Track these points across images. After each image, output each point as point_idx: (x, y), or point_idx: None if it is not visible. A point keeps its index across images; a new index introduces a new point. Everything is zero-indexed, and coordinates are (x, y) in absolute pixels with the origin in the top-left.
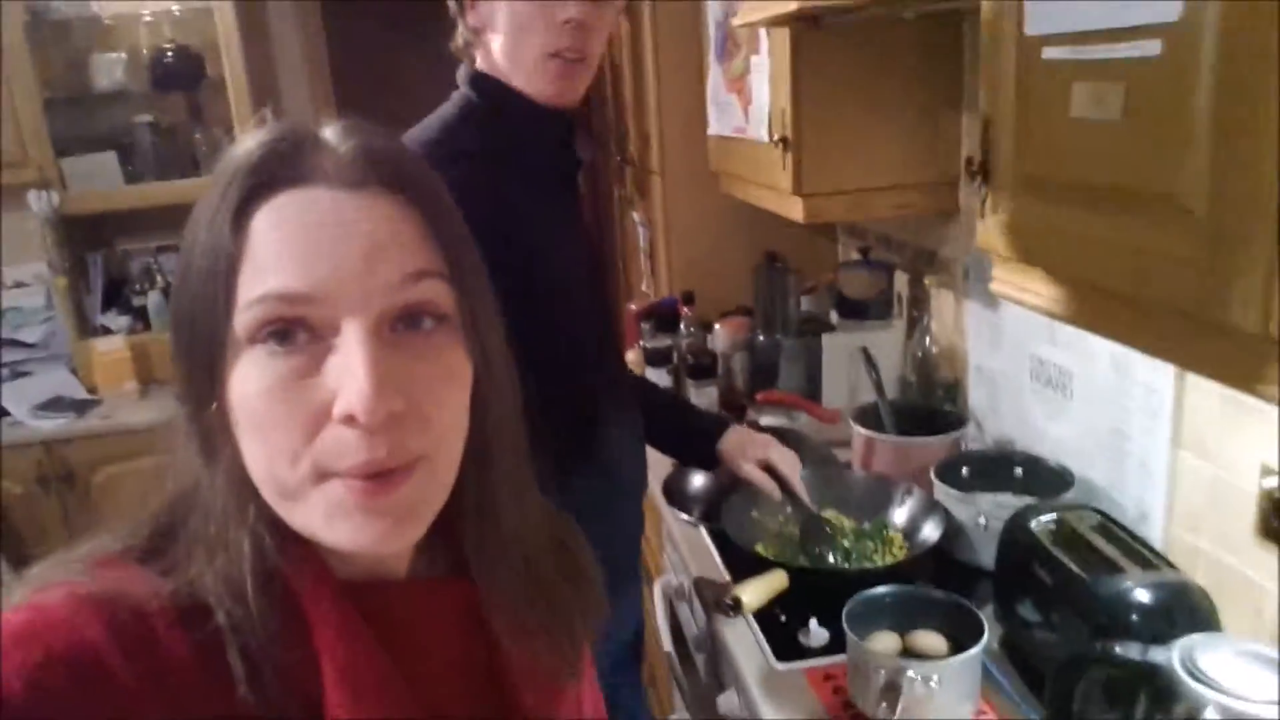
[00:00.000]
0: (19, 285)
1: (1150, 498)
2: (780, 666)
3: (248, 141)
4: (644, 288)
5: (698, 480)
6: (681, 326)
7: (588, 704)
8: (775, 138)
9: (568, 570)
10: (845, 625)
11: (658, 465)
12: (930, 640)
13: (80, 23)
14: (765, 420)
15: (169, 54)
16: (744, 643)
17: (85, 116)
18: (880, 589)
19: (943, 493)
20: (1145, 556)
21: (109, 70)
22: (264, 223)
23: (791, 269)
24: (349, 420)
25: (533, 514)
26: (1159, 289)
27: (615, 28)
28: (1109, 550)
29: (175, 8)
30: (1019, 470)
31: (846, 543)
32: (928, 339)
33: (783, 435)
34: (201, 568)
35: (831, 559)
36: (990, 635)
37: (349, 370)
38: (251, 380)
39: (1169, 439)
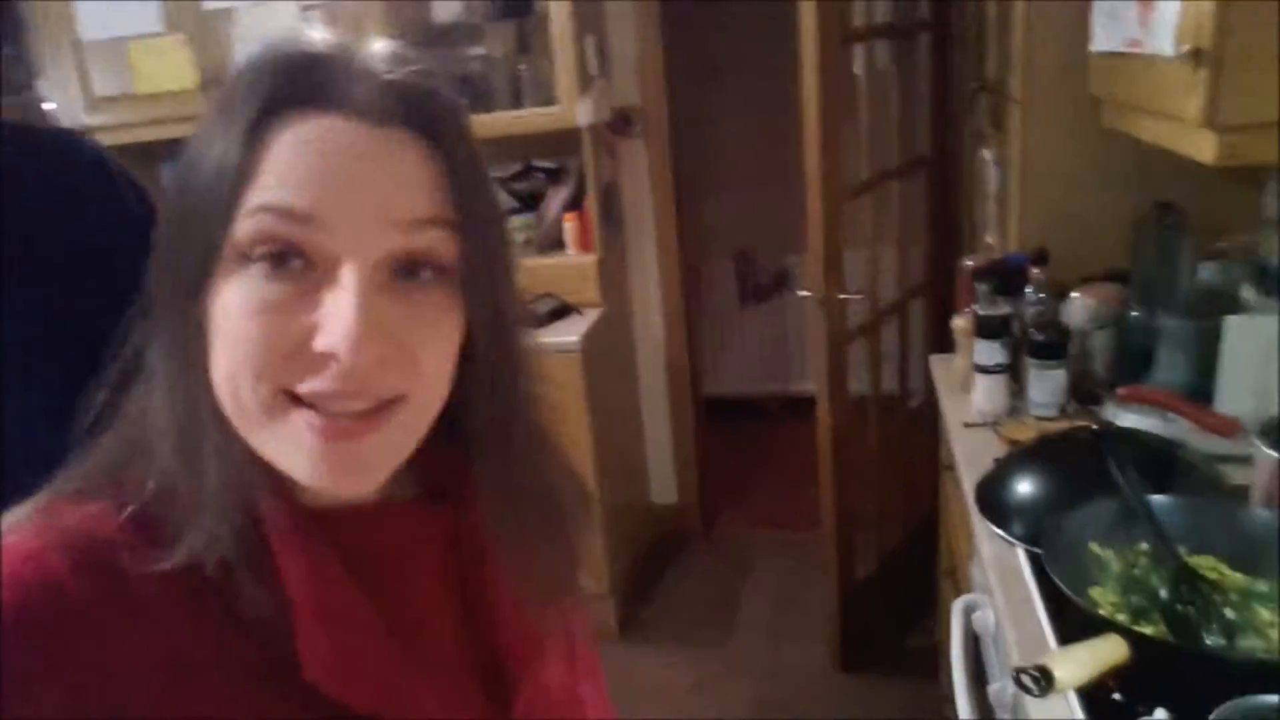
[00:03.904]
0: None
1: None
2: None
3: (285, 45)
4: (989, 239)
5: (1024, 486)
6: (1028, 291)
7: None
8: (1185, 49)
9: (562, 483)
10: None
11: (975, 462)
12: None
13: None
14: (1127, 422)
15: None
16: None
17: (423, 49)
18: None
19: None
20: None
21: (448, 3)
22: (281, 142)
23: (1190, 226)
24: (327, 358)
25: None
26: None
27: None
28: None
29: None
30: None
31: (1229, 609)
32: None
33: (1152, 446)
34: (164, 495)
35: (1202, 628)
36: None
37: (339, 308)
38: (238, 296)
39: None
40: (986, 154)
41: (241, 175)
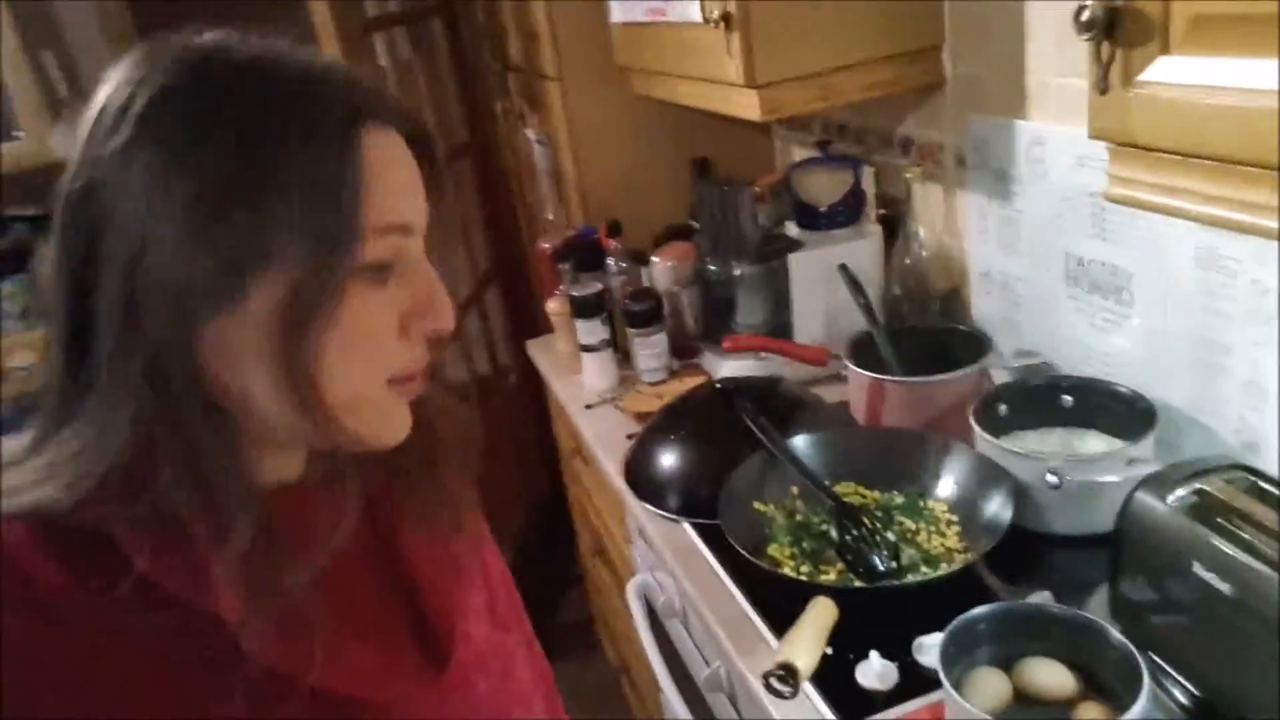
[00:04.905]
0: None
1: (1259, 424)
2: None
3: (326, 63)
4: (550, 217)
5: (669, 459)
6: (610, 263)
7: (496, 580)
8: (714, 16)
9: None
10: (943, 676)
11: (609, 442)
12: (1050, 675)
13: None
14: (730, 371)
15: None
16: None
17: None
18: (978, 611)
19: (989, 444)
20: None
21: None
22: (373, 152)
23: (728, 176)
24: (433, 337)
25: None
26: None
27: None
28: None
29: None
30: (1068, 399)
31: (886, 530)
32: (915, 244)
33: (762, 389)
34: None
35: (871, 554)
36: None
37: (440, 293)
38: (365, 306)
39: None
40: (530, 133)
41: (358, 194)
